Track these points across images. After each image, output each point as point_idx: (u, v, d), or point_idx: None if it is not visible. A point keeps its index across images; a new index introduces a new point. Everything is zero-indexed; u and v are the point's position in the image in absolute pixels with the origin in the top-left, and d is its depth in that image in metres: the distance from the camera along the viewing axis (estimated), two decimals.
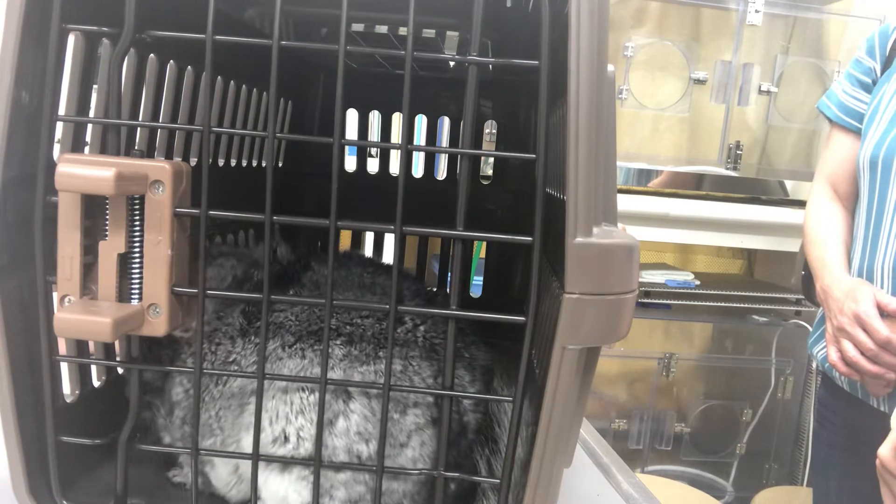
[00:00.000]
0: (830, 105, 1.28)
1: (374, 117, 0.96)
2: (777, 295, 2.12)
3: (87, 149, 0.52)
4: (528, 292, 0.44)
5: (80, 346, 0.54)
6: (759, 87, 2.04)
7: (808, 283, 1.34)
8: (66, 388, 0.53)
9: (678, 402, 2.18)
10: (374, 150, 1.23)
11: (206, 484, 0.56)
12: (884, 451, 0.82)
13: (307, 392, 0.51)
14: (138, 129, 0.58)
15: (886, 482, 0.78)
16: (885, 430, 1.04)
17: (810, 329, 1.32)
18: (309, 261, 0.60)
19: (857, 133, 1.22)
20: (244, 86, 0.77)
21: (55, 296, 0.44)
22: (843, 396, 1.19)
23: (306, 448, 0.50)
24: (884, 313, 1.04)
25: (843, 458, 1.21)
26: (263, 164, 0.85)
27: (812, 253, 1.24)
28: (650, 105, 2.02)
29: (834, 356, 1.11)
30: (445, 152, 1.30)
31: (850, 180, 1.23)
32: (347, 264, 0.62)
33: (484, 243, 1.08)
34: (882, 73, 1.21)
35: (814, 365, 2.05)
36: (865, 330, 1.04)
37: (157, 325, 0.44)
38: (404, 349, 0.53)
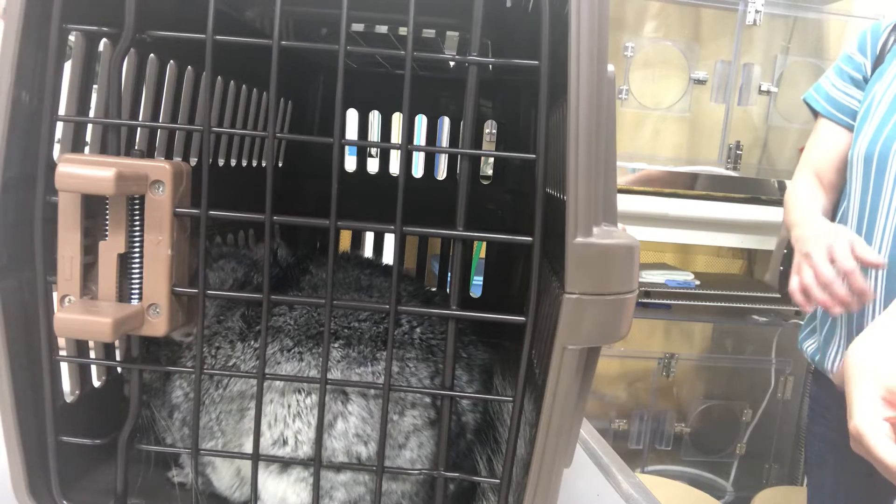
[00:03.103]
0: (818, 98, 1.29)
1: (374, 117, 0.96)
2: (777, 295, 2.12)
3: (87, 149, 0.52)
4: (528, 292, 0.44)
5: (80, 346, 0.54)
6: (759, 87, 2.04)
7: (784, 280, 1.34)
8: (67, 388, 0.53)
9: (678, 402, 2.18)
10: (374, 150, 1.23)
11: (207, 484, 0.56)
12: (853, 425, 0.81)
13: (303, 395, 0.51)
14: (138, 129, 0.58)
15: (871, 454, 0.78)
16: None
17: None
18: (307, 264, 0.60)
19: (846, 127, 1.23)
20: (244, 86, 0.77)
21: (55, 296, 0.44)
22: (835, 392, 1.19)
23: (304, 451, 0.50)
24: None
25: (836, 454, 1.22)
26: (263, 164, 0.85)
27: (792, 214, 1.22)
28: (650, 105, 2.02)
29: (794, 284, 1.10)
30: (445, 152, 1.30)
31: (833, 171, 1.23)
32: (345, 266, 0.62)
33: (484, 243, 1.08)
34: (873, 71, 1.21)
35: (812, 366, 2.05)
36: (833, 260, 1.03)
37: (157, 326, 0.44)
38: (401, 350, 0.53)
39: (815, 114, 1.30)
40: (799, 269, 1.09)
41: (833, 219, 1.24)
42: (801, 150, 1.35)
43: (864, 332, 0.83)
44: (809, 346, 1.25)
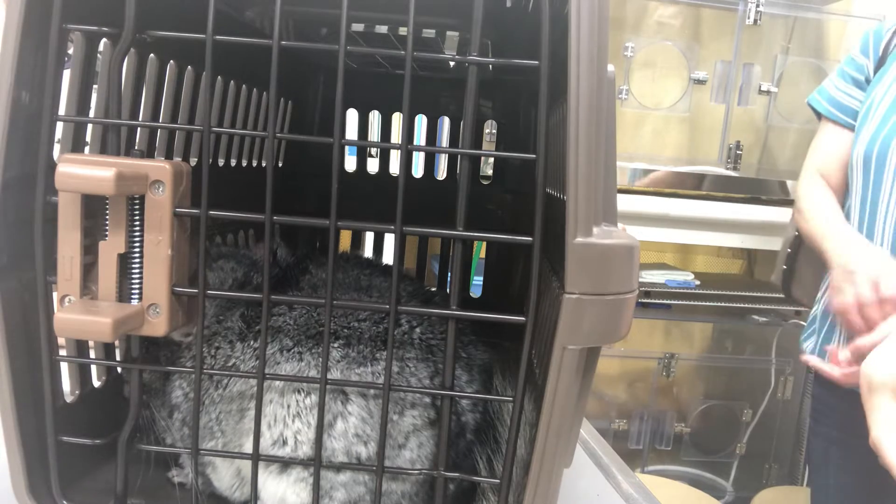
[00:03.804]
0: (821, 100, 1.29)
1: (374, 117, 0.96)
2: (777, 295, 2.11)
3: (87, 149, 0.52)
4: (528, 292, 0.44)
5: (80, 346, 0.54)
6: (759, 87, 2.04)
7: (788, 279, 1.34)
8: (67, 388, 0.53)
9: (678, 402, 2.18)
10: (374, 150, 1.23)
11: (207, 484, 0.56)
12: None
13: (303, 395, 0.51)
14: (138, 129, 0.58)
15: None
16: None
17: None
18: (307, 264, 0.60)
19: (848, 128, 1.23)
20: (244, 86, 0.77)
21: (55, 296, 0.44)
22: (838, 390, 1.20)
23: (304, 451, 0.50)
24: None
25: (840, 453, 1.23)
26: (263, 164, 0.85)
27: (825, 233, 1.21)
28: (650, 105, 2.02)
29: (835, 303, 1.10)
30: (445, 152, 1.30)
31: (839, 172, 1.24)
32: (345, 266, 0.62)
33: (484, 243, 1.08)
34: (875, 73, 1.21)
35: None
36: (876, 287, 1.03)
37: (157, 326, 0.44)
38: (401, 350, 0.53)
39: (819, 116, 1.30)
40: (840, 290, 1.10)
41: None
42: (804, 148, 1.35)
43: (879, 345, 0.83)
44: (808, 344, 1.25)
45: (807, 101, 1.34)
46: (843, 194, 1.24)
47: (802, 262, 1.35)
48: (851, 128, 1.23)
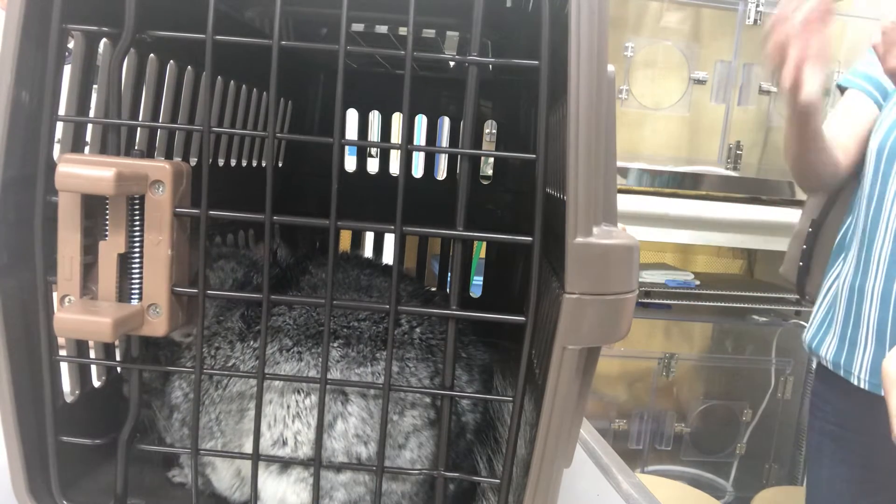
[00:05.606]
0: (852, 78, 1.28)
1: (374, 117, 0.96)
2: (777, 295, 2.12)
3: (87, 149, 0.52)
4: (528, 292, 0.44)
5: (80, 346, 0.54)
6: (760, 87, 2.04)
7: (803, 276, 1.35)
8: (67, 388, 0.53)
9: (678, 402, 2.18)
10: (374, 150, 1.23)
11: (207, 485, 0.56)
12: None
13: (303, 395, 0.51)
14: (138, 129, 0.58)
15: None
16: (873, 417, 1.04)
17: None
18: (307, 265, 0.60)
19: (870, 97, 1.23)
20: (244, 86, 0.77)
21: (55, 296, 0.44)
22: (836, 385, 1.21)
23: (304, 452, 0.50)
24: None
25: (833, 446, 1.24)
26: (263, 164, 0.85)
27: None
28: (650, 105, 2.02)
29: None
30: (445, 152, 1.30)
31: (851, 137, 1.22)
32: (345, 266, 0.62)
33: (484, 243, 1.08)
34: None
35: (814, 363, 2.06)
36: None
37: (157, 326, 0.44)
38: (401, 351, 0.53)
39: (843, 91, 1.30)
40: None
41: (846, 209, 1.24)
42: None
43: None
44: (827, 350, 1.24)
45: (837, 83, 1.33)
46: (847, 158, 1.22)
47: (817, 260, 1.35)
48: (874, 99, 1.23)
